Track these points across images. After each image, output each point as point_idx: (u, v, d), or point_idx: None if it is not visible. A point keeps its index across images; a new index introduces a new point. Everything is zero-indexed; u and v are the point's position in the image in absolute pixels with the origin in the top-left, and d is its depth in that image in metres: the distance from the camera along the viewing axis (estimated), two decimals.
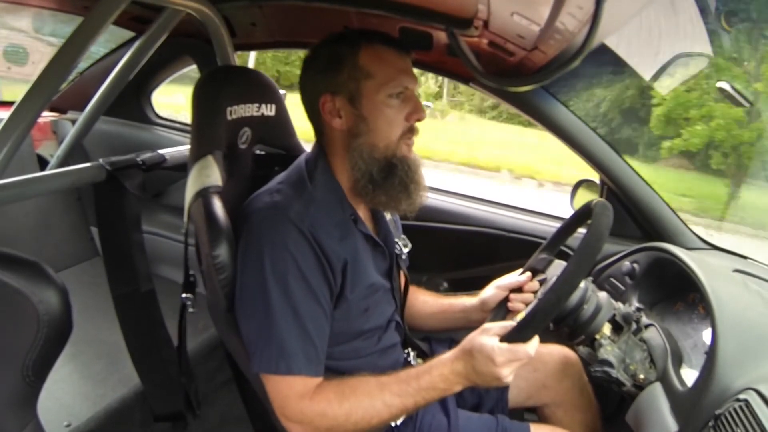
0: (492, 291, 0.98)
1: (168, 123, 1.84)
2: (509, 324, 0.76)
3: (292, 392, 0.76)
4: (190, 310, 0.95)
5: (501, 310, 0.96)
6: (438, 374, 0.77)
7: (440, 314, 1.05)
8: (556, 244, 0.98)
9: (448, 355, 0.78)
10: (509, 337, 0.74)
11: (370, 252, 0.87)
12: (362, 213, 0.89)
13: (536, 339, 0.74)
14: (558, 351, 1.04)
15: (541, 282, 0.94)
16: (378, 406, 0.76)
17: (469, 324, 1.00)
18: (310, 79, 0.85)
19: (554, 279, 0.80)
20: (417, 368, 0.79)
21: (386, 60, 0.82)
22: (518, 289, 0.96)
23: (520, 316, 0.87)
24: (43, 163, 1.69)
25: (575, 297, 0.83)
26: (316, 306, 0.77)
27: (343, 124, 0.83)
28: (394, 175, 0.83)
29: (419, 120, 0.84)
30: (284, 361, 0.75)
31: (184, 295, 0.94)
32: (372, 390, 0.77)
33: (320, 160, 0.86)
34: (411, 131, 0.84)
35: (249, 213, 0.81)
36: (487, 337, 0.75)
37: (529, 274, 0.97)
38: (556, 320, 0.84)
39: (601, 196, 1.28)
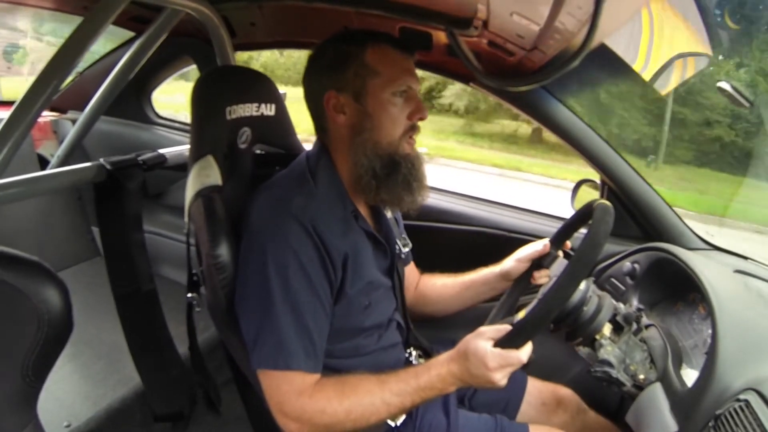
0: (512, 263, 1.00)
1: (168, 123, 1.84)
2: (504, 328, 0.77)
3: (291, 388, 0.75)
4: (197, 309, 0.95)
5: (516, 290, 0.97)
6: (435, 374, 0.77)
7: (464, 291, 1.06)
8: (560, 240, 0.98)
9: (445, 356, 0.79)
10: (502, 342, 0.75)
11: (370, 249, 0.88)
12: (363, 210, 0.89)
13: (529, 345, 0.75)
14: (552, 388, 1.07)
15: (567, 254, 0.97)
16: (377, 404, 0.76)
17: (494, 293, 1.03)
18: (315, 76, 0.86)
19: (551, 283, 0.80)
20: (416, 368, 0.80)
21: (392, 59, 0.83)
22: (540, 265, 0.98)
23: (520, 315, 0.87)
24: (43, 163, 1.69)
25: (575, 297, 0.83)
26: (316, 301, 0.77)
27: (347, 121, 0.84)
28: (398, 172, 0.83)
29: (421, 119, 0.85)
30: (283, 356, 0.75)
31: (189, 295, 0.94)
32: (372, 388, 0.77)
33: (322, 156, 0.86)
34: (413, 129, 0.85)
35: (251, 208, 0.82)
36: (482, 341, 0.76)
37: (547, 243, 0.98)
38: (556, 321, 0.84)
39: (601, 196, 1.28)
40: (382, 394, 0.76)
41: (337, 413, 0.75)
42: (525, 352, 0.75)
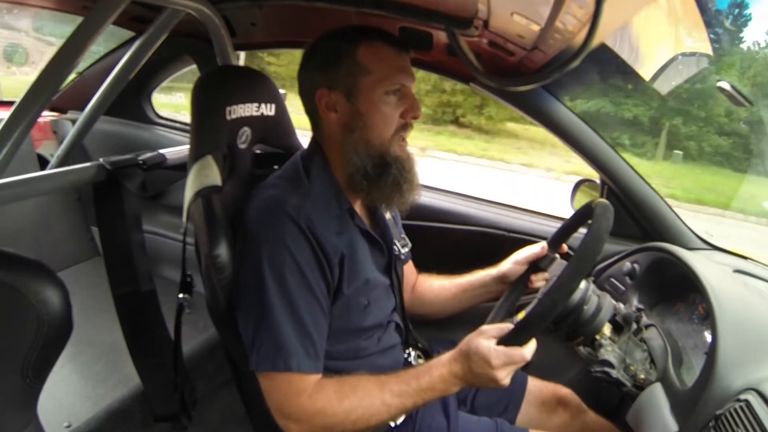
0: (509, 265, 1.00)
1: (168, 123, 1.84)
2: (506, 326, 0.77)
3: (291, 389, 0.75)
4: (187, 311, 0.95)
5: (514, 292, 0.97)
6: (437, 375, 0.77)
7: (460, 294, 1.06)
8: (558, 242, 0.98)
9: (446, 356, 0.79)
10: (506, 340, 0.75)
11: (367, 248, 0.87)
12: (359, 209, 0.89)
13: (533, 342, 0.75)
14: (552, 388, 1.07)
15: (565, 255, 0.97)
16: (377, 406, 0.76)
17: (490, 296, 1.03)
18: (308, 74, 0.86)
19: (553, 281, 0.80)
20: (417, 368, 0.80)
21: (384, 57, 0.82)
22: (537, 267, 0.98)
23: (520, 317, 0.87)
24: (43, 163, 1.68)
25: (576, 297, 0.83)
26: (313, 301, 0.77)
27: (339, 119, 0.83)
28: (388, 173, 0.83)
29: (415, 118, 0.85)
30: (282, 357, 0.74)
31: (180, 296, 0.94)
32: (372, 389, 0.76)
33: (316, 154, 0.86)
34: (405, 128, 0.85)
35: (246, 209, 0.82)
36: (484, 339, 0.75)
37: (545, 245, 0.98)
38: (556, 320, 0.84)
39: (601, 196, 1.28)
40: (382, 395, 0.76)
41: (337, 414, 0.75)
42: (529, 350, 0.74)
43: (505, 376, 0.74)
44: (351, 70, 0.81)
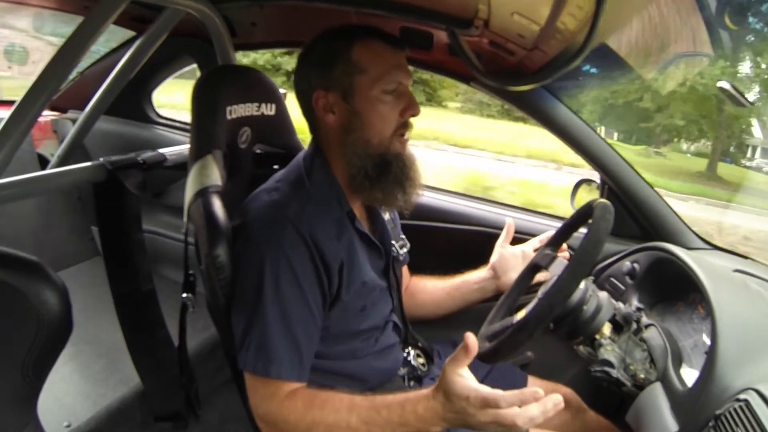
0: (496, 255, 1.03)
1: (168, 122, 1.84)
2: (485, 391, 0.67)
3: (265, 392, 0.76)
4: (191, 309, 0.95)
5: (515, 290, 0.97)
6: (411, 410, 0.70)
7: (455, 293, 1.06)
8: (559, 241, 0.98)
9: (424, 391, 0.72)
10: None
11: (365, 250, 0.87)
12: (358, 211, 0.89)
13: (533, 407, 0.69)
14: (552, 388, 1.06)
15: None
16: (342, 427, 0.73)
17: (485, 295, 1.05)
18: (304, 76, 0.85)
19: (551, 282, 0.80)
20: (393, 396, 0.74)
21: (380, 55, 0.82)
22: (538, 267, 0.97)
23: (520, 315, 0.87)
24: (43, 163, 1.69)
25: (575, 297, 0.83)
26: (306, 311, 0.77)
27: (337, 120, 0.83)
28: (389, 171, 0.83)
29: (413, 116, 0.84)
30: (263, 362, 0.75)
31: (184, 295, 0.94)
32: (341, 409, 0.73)
33: (317, 157, 0.86)
34: (405, 126, 0.84)
35: (247, 212, 0.81)
36: (458, 376, 0.68)
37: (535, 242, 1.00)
38: (556, 320, 0.84)
39: (601, 196, 1.28)
40: (349, 417, 0.72)
41: (299, 425, 0.74)
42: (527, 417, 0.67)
43: (488, 422, 0.66)
44: (346, 70, 0.80)
